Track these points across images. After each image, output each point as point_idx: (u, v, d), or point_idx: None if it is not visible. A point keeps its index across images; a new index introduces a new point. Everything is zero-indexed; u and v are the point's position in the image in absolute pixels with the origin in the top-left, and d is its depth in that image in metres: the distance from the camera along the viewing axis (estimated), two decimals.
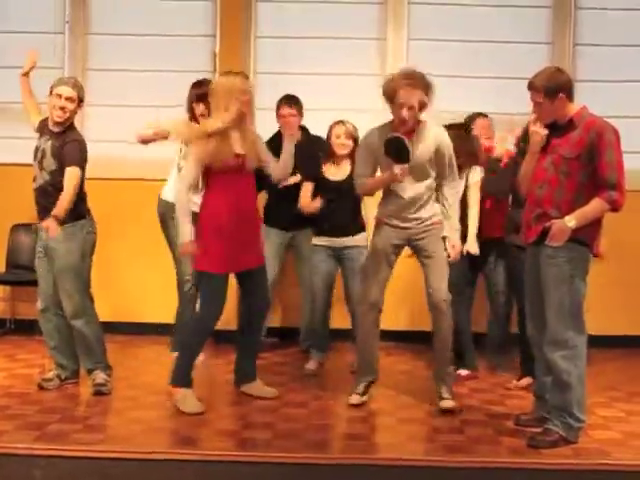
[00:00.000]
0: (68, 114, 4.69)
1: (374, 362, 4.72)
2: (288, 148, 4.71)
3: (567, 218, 3.92)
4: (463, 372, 5.30)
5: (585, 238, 3.97)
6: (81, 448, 3.80)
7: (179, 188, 4.58)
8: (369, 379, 4.70)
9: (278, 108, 5.67)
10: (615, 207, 3.95)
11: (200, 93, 5.15)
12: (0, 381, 4.98)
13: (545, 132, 4.03)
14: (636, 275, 6.41)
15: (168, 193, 5.34)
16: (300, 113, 5.65)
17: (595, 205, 3.93)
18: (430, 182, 4.59)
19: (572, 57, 6.44)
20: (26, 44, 6.54)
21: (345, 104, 5.97)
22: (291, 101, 5.63)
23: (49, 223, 4.52)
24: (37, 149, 4.76)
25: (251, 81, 4.66)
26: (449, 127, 4.83)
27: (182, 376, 4.51)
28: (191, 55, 6.61)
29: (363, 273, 4.73)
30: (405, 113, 4.37)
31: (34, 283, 5.04)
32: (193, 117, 5.25)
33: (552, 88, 3.95)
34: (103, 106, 6.33)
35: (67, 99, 4.68)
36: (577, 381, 3.97)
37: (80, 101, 4.75)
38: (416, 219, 4.57)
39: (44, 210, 4.69)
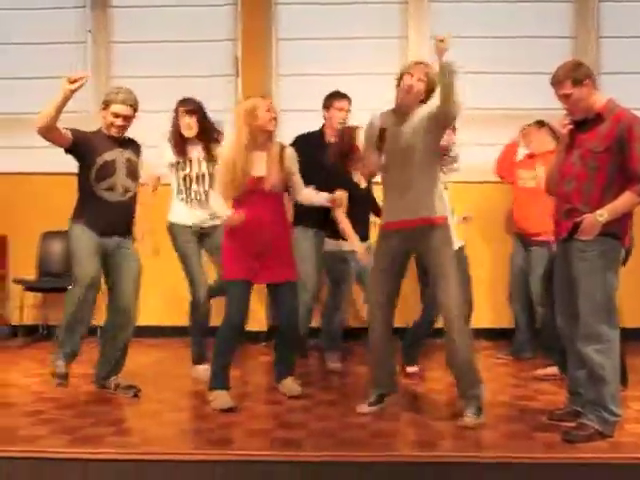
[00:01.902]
0: (126, 129, 4.77)
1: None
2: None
3: (598, 212, 3.89)
4: (411, 369, 5.34)
5: (616, 231, 3.94)
6: (117, 451, 3.83)
7: (214, 199, 4.73)
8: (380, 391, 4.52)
9: (332, 102, 5.67)
10: None
11: (189, 109, 5.21)
12: (33, 387, 5.03)
13: (568, 127, 4.02)
14: None
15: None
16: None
17: (626, 198, 3.90)
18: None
19: (596, 50, 6.41)
20: (48, 55, 6.67)
21: (368, 104, 5.95)
22: (345, 96, 5.70)
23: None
24: (114, 162, 4.71)
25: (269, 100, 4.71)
26: None
27: (217, 380, 4.61)
28: (213, 59, 6.65)
29: None
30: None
31: (64, 290, 5.09)
32: (178, 131, 5.27)
33: (578, 76, 3.94)
34: None
35: (125, 118, 4.71)
36: (611, 374, 3.94)
37: (135, 111, 4.78)
38: None
39: (123, 224, 4.81)
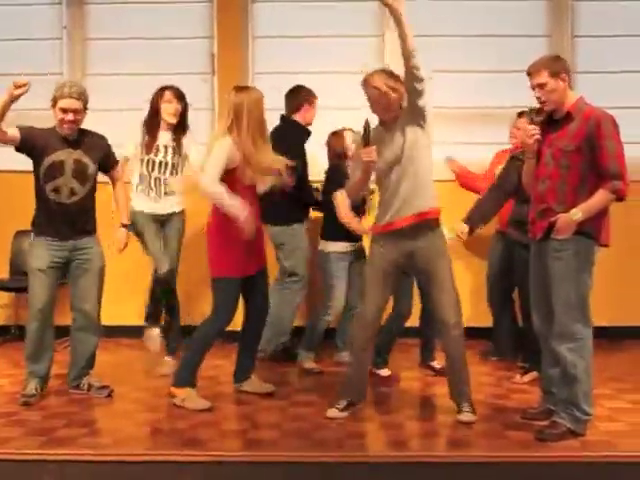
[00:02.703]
0: (78, 124, 4.63)
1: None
2: None
3: (573, 211, 3.91)
4: (384, 372, 5.28)
5: (591, 230, 3.96)
6: (90, 452, 3.82)
7: (209, 182, 4.40)
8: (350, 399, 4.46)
9: (313, 99, 5.72)
10: (620, 196, 3.94)
11: (177, 95, 5.28)
12: (5, 388, 4.99)
13: (535, 138, 4.01)
14: None
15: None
16: None
17: (600, 196, 3.92)
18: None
19: (571, 49, 6.42)
20: (23, 51, 6.60)
21: (344, 102, 5.96)
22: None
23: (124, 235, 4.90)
24: (62, 163, 4.57)
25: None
26: None
27: (187, 377, 4.57)
28: (189, 57, 6.61)
29: None
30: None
31: None
32: (157, 115, 5.29)
33: (555, 68, 3.96)
34: (103, 111, 6.31)
35: (75, 112, 4.55)
36: (584, 373, 3.97)
37: (85, 108, 4.63)
38: None
39: (75, 226, 4.66)
